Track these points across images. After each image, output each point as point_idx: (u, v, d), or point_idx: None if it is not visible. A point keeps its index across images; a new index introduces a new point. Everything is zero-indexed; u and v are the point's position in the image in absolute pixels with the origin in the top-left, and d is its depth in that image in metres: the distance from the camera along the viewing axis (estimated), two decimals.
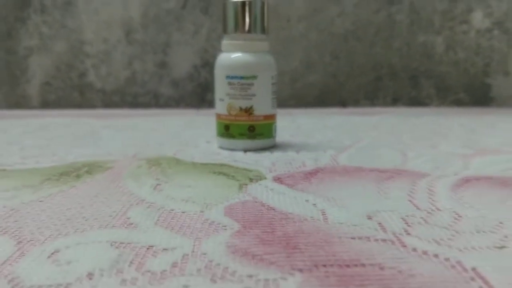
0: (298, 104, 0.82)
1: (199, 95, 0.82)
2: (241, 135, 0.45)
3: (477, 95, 0.82)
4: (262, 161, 0.41)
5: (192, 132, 0.57)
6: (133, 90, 0.82)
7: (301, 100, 0.82)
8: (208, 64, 0.81)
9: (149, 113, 0.77)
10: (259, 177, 0.36)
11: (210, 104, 0.82)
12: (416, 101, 0.82)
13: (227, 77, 0.45)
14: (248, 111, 0.45)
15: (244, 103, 0.45)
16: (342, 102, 0.82)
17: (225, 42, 0.46)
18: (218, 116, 0.47)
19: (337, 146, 0.48)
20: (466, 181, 0.35)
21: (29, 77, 0.83)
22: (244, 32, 0.45)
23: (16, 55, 0.82)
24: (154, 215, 0.27)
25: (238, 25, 0.45)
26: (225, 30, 0.46)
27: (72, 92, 0.83)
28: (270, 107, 0.46)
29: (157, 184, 0.34)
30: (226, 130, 0.46)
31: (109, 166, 0.39)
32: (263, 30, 0.46)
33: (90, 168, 0.38)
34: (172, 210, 0.28)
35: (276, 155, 0.44)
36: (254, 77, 0.45)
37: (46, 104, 0.83)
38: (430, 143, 0.50)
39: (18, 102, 0.83)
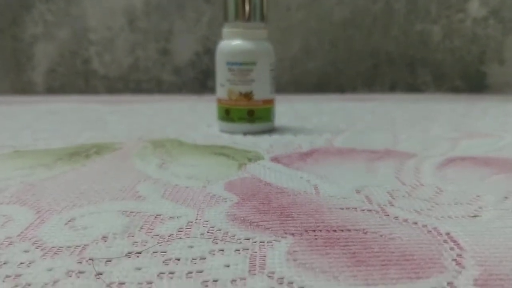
0: (297, 90, 0.84)
1: (200, 81, 0.84)
2: (241, 119, 0.48)
3: (473, 82, 0.84)
4: (260, 143, 0.43)
5: (194, 117, 0.59)
6: (136, 76, 0.84)
7: (300, 86, 0.84)
8: (210, 51, 0.83)
9: (152, 99, 0.79)
10: (258, 158, 0.38)
11: (211, 90, 0.84)
12: (413, 88, 0.84)
13: (228, 63, 0.47)
14: (248, 96, 0.47)
15: (244, 88, 0.47)
16: (340, 89, 0.84)
17: (225, 30, 0.48)
18: (219, 100, 0.49)
19: (333, 130, 0.50)
20: (451, 161, 0.37)
21: (34, 64, 0.85)
22: (244, 20, 0.47)
23: (21, 42, 0.84)
24: (160, 189, 0.29)
25: (238, 14, 0.47)
26: (225, 18, 0.48)
27: (77, 79, 0.85)
28: (269, 92, 0.48)
29: (162, 163, 0.36)
30: (227, 114, 0.48)
31: (116, 148, 0.42)
32: (262, 19, 0.48)
33: (99, 149, 0.41)
34: (177, 185, 0.30)
35: (274, 138, 0.46)
36: (253, 63, 0.47)
37: (51, 90, 0.85)
38: (421, 127, 0.52)
39: (24, 88, 0.85)
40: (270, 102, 0.49)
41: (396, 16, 0.82)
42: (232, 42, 0.47)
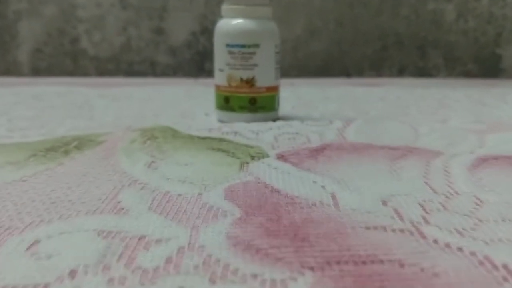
0: (300, 74, 0.79)
1: (197, 63, 0.79)
2: (242, 108, 0.43)
3: (487, 66, 0.79)
4: (263, 135, 0.39)
5: (190, 103, 0.54)
6: (129, 57, 0.79)
7: (303, 69, 0.79)
8: (207, 31, 0.77)
9: (145, 82, 0.74)
10: (261, 155, 0.33)
11: (209, 73, 0.79)
12: (423, 72, 0.79)
13: (227, 45, 0.42)
14: (250, 82, 0.42)
15: (245, 74, 0.42)
16: (346, 72, 0.79)
17: (225, 7, 0.43)
18: (217, 87, 0.44)
19: (341, 118, 0.45)
20: (483, 160, 0.32)
21: (19, 42, 0.79)
22: None
23: (4, 19, 0.78)
24: (147, 198, 0.25)
25: None
26: None
27: (64, 59, 0.79)
28: (273, 78, 0.43)
29: (152, 162, 0.31)
30: (226, 102, 0.43)
31: (101, 140, 0.37)
32: None
33: (80, 143, 0.36)
34: (168, 192, 0.26)
35: (278, 129, 0.41)
36: (257, 45, 0.42)
37: (37, 71, 0.80)
38: (438, 117, 0.47)
39: (8, 69, 0.80)
40: (275, 89, 0.44)
41: None
42: (232, 21, 0.42)
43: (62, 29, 0.78)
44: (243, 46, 0.41)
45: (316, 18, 0.77)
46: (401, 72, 0.79)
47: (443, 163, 0.31)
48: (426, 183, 0.28)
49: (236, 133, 0.39)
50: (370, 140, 0.37)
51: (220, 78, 0.43)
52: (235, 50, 0.42)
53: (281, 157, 0.33)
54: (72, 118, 0.46)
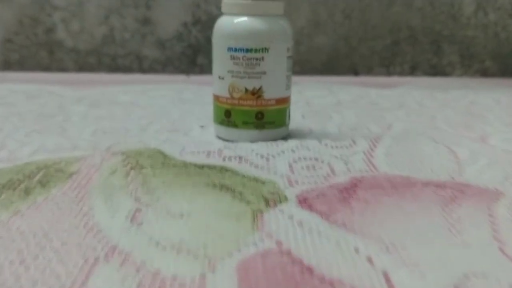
0: (303, 71, 0.71)
1: (189, 57, 0.71)
2: (247, 124, 0.35)
3: (506, 64, 0.72)
4: (275, 162, 0.31)
5: (182, 110, 0.47)
6: (112, 50, 0.71)
7: (307, 66, 0.72)
8: (200, 22, 0.69)
9: (130, 80, 0.65)
10: (277, 196, 0.26)
11: (201, 68, 0.71)
12: (437, 70, 0.72)
13: (230, 49, 0.34)
14: (256, 93, 0.35)
15: (251, 83, 0.35)
16: (353, 69, 0.72)
17: (226, 2, 0.35)
18: (217, 98, 0.36)
19: (364, 135, 0.38)
20: None
21: None
22: None
23: None
24: (130, 285, 0.18)
25: None
26: None
27: (39, 51, 0.71)
28: (284, 88, 0.36)
29: (136, 210, 0.24)
30: (227, 116, 0.36)
31: (72, 171, 0.29)
32: None
33: (47, 175, 0.28)
34: (158, 272, 0.18)
35: (292, 151, 0.34)
36: (265, 49, 0.34)
37: (8, 65, 0.71)
38: (474, 132, 0.40)
39: None
40: (286, 101, 0.36)
41: None
42: (236, 19, 0.34)
43: (35, 17, 0.69)
44: (249, 50, 0.34)
45: (321, 8, 0.70)
46: (413, 69, 0.72)
47: (509, 211, 0.25)
48: (501, 250, 0.21)
49: (241, 158, 0.32)
50: (407, 171, 0.30)
51: (220, 87, 0.36)
52: (239, 54, 0.34)
53: (304, 201, 0.25)
54: (40, 133, 0.38)
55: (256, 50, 0.34)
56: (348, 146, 0.35)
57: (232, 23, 0.34)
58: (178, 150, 0.34)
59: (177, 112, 0.46)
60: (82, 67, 0.71)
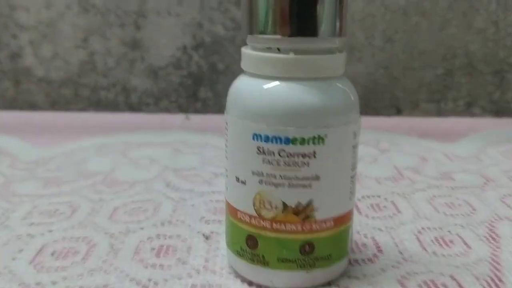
0: None
1: (188, 89, 0.56)
2: (285, 262, 0.21)
3: None
4: None
5: (176, 193, 0.32)
6: (92, 80, 0.56)
7: None
8: (203, 45, 0.55)
9: (112, 123, 0.51)
10: None
11: (204, 103, 0.56)
12: (498, 106, 0.58)
13: (257, 137, 0.20)
14: (303, 211, 0.20)
15: (295, 196, 0.20)
16: (395, 105, 0.57)
17: (249, 53, 0.21)
18: (233, 213, 0.22)
19: (463, 262, 0.24)
20: None
21: None
22: (297, 32, 0.19)
23: None
24: None
25: (284, 17, 0.19)
26: (250, 26, 0.20)
27: (2, 82, 0.56)
28: (348, 198, 0.21)
29: None
30: (252, 246, 0.21)
31: None
32: (336, 29, 0.20)
33: None
34: None
35: None
36: (320, 139, 0.20)
37: None
38: None
39: None
40: (348, 218, 0.22)
41: None
42: (267, 85, 0.20)
43: None
44: (292, 140, 0.19)
45: (356, 29, 0.55)
46: (469, 105, 0.58)
47: None
48: None
49: None
50: None
51: (238, 196, 0.21)
52: (274, 147, 0.20)
53: None
54: None
55: (303, 141, 0.19)
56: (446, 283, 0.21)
57: (262, 92, 0.20)
58: None
59: (169, 204, 0.31)
60: (55, 101, 0.57)
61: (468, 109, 0.58)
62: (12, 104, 0.57)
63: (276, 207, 0.20)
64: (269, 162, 0.20)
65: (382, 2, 0.54)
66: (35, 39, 0.55)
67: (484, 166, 0.38)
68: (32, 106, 0.57)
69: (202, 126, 0.50)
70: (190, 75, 0.56)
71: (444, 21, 0.55)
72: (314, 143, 0.19)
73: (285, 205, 0.20)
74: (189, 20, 0.54)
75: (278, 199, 0.20)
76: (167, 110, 0.57)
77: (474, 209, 0.30)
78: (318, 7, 0.19)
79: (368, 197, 0.32)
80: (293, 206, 0.20)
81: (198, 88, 0.57)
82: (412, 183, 0.35)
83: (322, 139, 0.20)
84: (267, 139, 0.20)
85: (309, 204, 0.20)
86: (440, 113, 0.57)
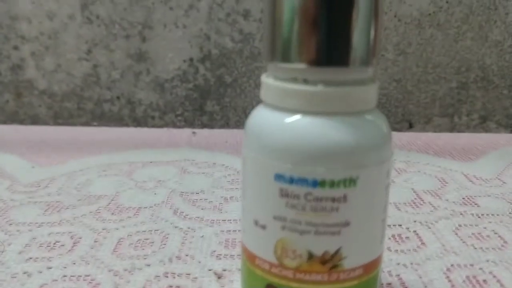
0: None
1: (195, 103, 0.55)
2: None
3: None
4: None
5: (185, 223, 0.30)
6: (95, 93, 0.54)
7: None
8: (210, 58, 0.53)
9: (116, 139, 0.49)
10: None
11: (211, 117, 0.55)
12: None
13: (279, 178, 0.18)
14: (331, 261, 0.18)
15: (322, 244, 0.18)
16: (407, 119, 0.56)
17: (271, 83, 0.19)
18: (251, 258, 0.20)
19: None
20: None
21: None
22: (326, 61, 0.17)
23: None
24: None
25: (312, 43, 0.17)
26: (272, 52, 0.18)
27: (3, 94, 0.55)
28: (379, 243, 0.20)
29: None
30: None
31: None
32: (369, 57, 0.18)
33: None
34: None
35: None
36: (351, 181, 0.18)
37: None
38: None
39: None
40: (377, 263, 0.20)
41: (502, 8, 0.52)
42: (292, 120, 0.18)
43: None
44: (320, 183, 0.18)
45: None
46: (483, 119, 0.56)
47: None
48: None
49: None
50: None
51: (257, 241, 0.19)
52: (300, 190, 0.18)
53: None
54: None
55: (333, 184, 0.17)
56: None
57: (285, 128, 0.18)
58: None
59: (177, 235, 0.29)
60: (57, 115, 0.55)
61: (482, 124, 0.56)
62: (13, 118, 0.55)
63: (300, 256, 0.18)
64: (294, 207, 0.18)
65: (394, 13, 0.52)
66: (37, 50, 0.53)
67: (508, 190, 0.36)
68: (34, 119, 0.55)
69: (209, 142, 0.48)
70: (197, 88, 0.54)
71: (458, 33, 0.53)
72: (345, 185, 0.18)
73: (310, 254, 0.18)
74: (196, 32, 0.53)
75: (303, 248, 0.18)
76: (172, 123, 0.55)
77: (505, 242, 0.28)
78: (351, 33, 0.17)
79: (390, 226, 0.30)
80: (319, 255, 0.18)
81: (204, 101, 0.55)
82: (434, 209, 0.33)
83: (354, 181, 0.18)
84: (291, 180, 0.18)
85: (337, 252, 0.18)
86: (453, 127, 0.56)
